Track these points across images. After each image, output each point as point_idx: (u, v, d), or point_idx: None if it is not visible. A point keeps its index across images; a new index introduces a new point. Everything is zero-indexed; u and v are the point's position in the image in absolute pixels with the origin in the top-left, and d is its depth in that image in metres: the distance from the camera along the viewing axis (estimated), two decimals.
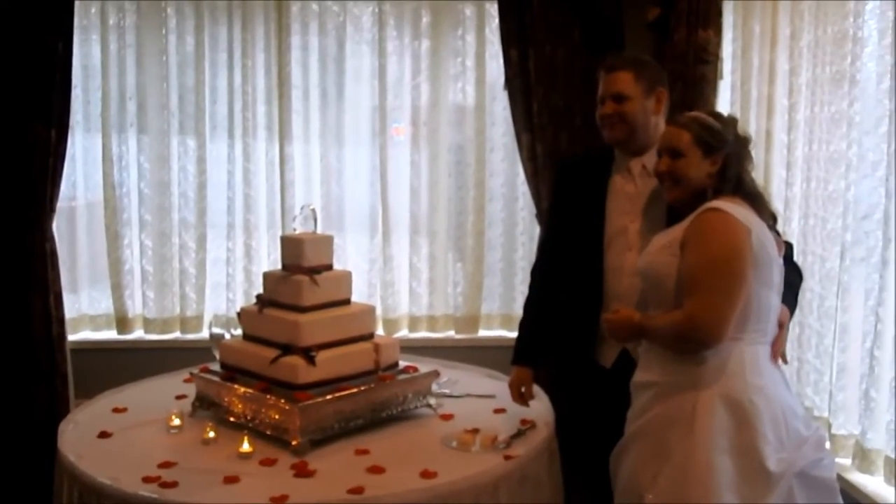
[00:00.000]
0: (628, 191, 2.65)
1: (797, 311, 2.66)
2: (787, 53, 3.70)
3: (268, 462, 2.39)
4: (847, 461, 3.22)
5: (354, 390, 2.59)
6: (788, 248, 2.59)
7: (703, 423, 2.11)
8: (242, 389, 2.61)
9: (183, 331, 4.42)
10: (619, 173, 2.68)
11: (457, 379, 3.14)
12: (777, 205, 3.75)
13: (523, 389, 2.79)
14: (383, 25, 4.31)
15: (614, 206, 2.66)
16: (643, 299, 2.42)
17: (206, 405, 2.74)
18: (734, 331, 2.14)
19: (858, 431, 3.16)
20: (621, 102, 2.60)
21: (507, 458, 2.42)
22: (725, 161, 2.27)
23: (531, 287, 2.93)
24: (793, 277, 2.52)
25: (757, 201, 2.28)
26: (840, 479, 3.06)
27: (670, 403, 2.20)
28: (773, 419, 2.13)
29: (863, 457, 3.11)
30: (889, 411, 2.97)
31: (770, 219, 2.30)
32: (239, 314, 2.85)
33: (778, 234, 2.53)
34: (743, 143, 2.32)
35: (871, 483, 3.07)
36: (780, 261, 2.27)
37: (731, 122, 2.35)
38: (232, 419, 2.63)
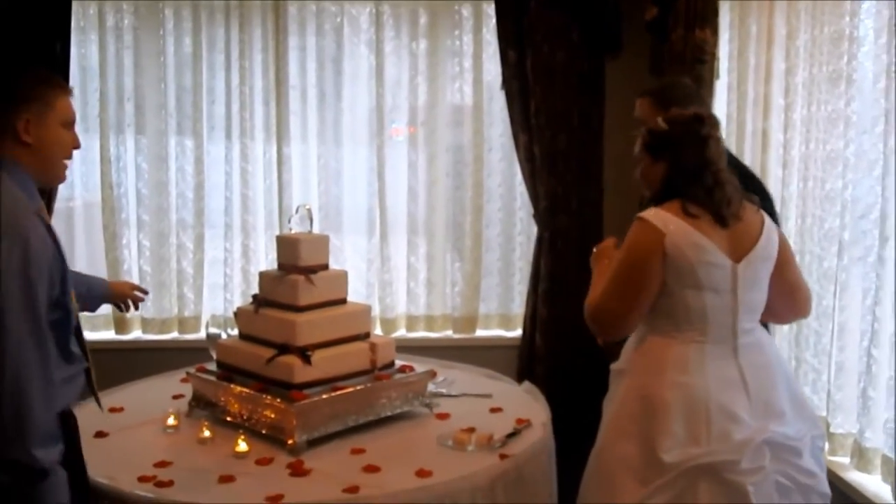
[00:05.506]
0: None
1: None
2: (783, 53, 3.70)
3: (264, 461, 2.40)
4: (845, 460, 3.22)
5: (350, 390, 2.59)
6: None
7: (617, 409, 2.32)
8: (239, 389, 2.61)
9: (181, 331, 4.42)
10: None
11: (454, 378, 3.14)
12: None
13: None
14: (381, 26, 4.31)
15: None
16: None
17: (202, 405, 2.74)
18: (670, 329, 2.25)
19: (856, 430, 3.16)
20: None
21: (502, 457, 2.42)
22: (671, 160, 2.28)
23: None
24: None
25: (715, 192, 2.22)
26: (838, 478, 3.08)
27: (611, 390, 2.40)
28: (690, 415, 2.19)
29: (861, 456, 3.11)
30: (887, 410, 2.97)
31: (734, 205, 2.24)
32: (235, 314, 2.86)
33: (774, 217, 2.57)
34: (693, 137, 2.26)
35: (869, 482, 3.07)
36: (725, 261, 2.21)
37: (682, 120, 2.31)
38: (228, 419, 2.64)
